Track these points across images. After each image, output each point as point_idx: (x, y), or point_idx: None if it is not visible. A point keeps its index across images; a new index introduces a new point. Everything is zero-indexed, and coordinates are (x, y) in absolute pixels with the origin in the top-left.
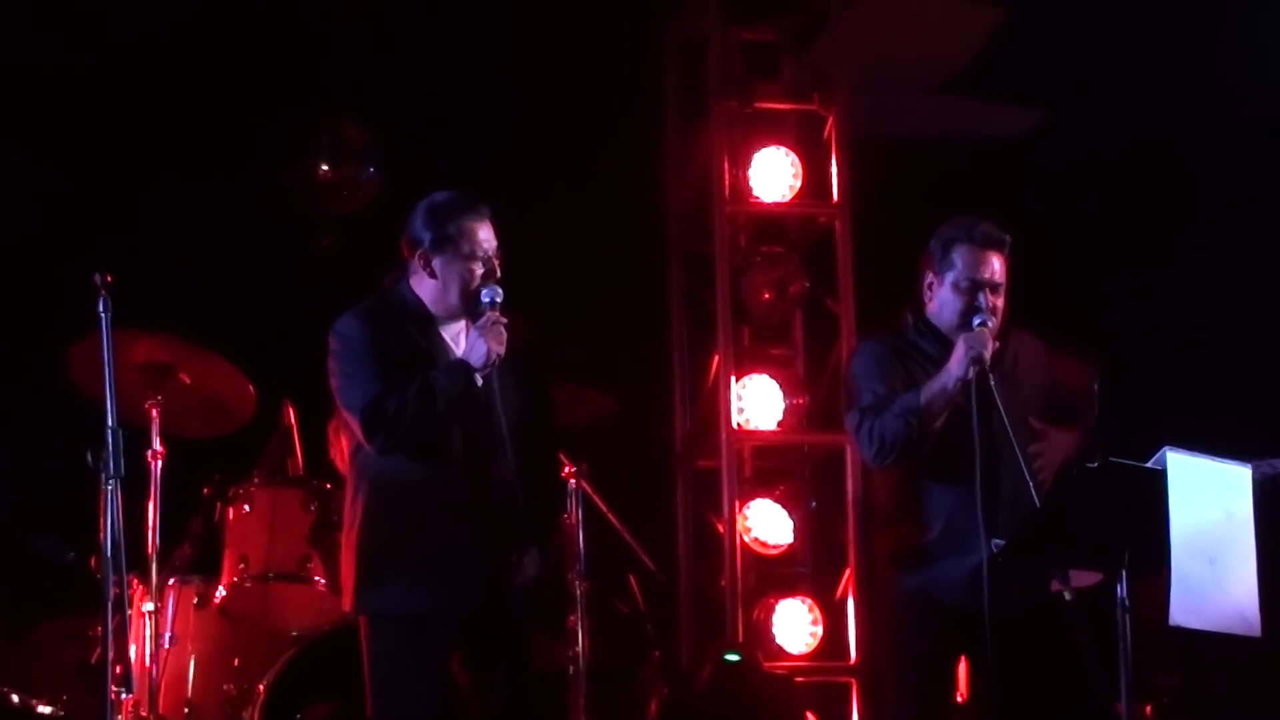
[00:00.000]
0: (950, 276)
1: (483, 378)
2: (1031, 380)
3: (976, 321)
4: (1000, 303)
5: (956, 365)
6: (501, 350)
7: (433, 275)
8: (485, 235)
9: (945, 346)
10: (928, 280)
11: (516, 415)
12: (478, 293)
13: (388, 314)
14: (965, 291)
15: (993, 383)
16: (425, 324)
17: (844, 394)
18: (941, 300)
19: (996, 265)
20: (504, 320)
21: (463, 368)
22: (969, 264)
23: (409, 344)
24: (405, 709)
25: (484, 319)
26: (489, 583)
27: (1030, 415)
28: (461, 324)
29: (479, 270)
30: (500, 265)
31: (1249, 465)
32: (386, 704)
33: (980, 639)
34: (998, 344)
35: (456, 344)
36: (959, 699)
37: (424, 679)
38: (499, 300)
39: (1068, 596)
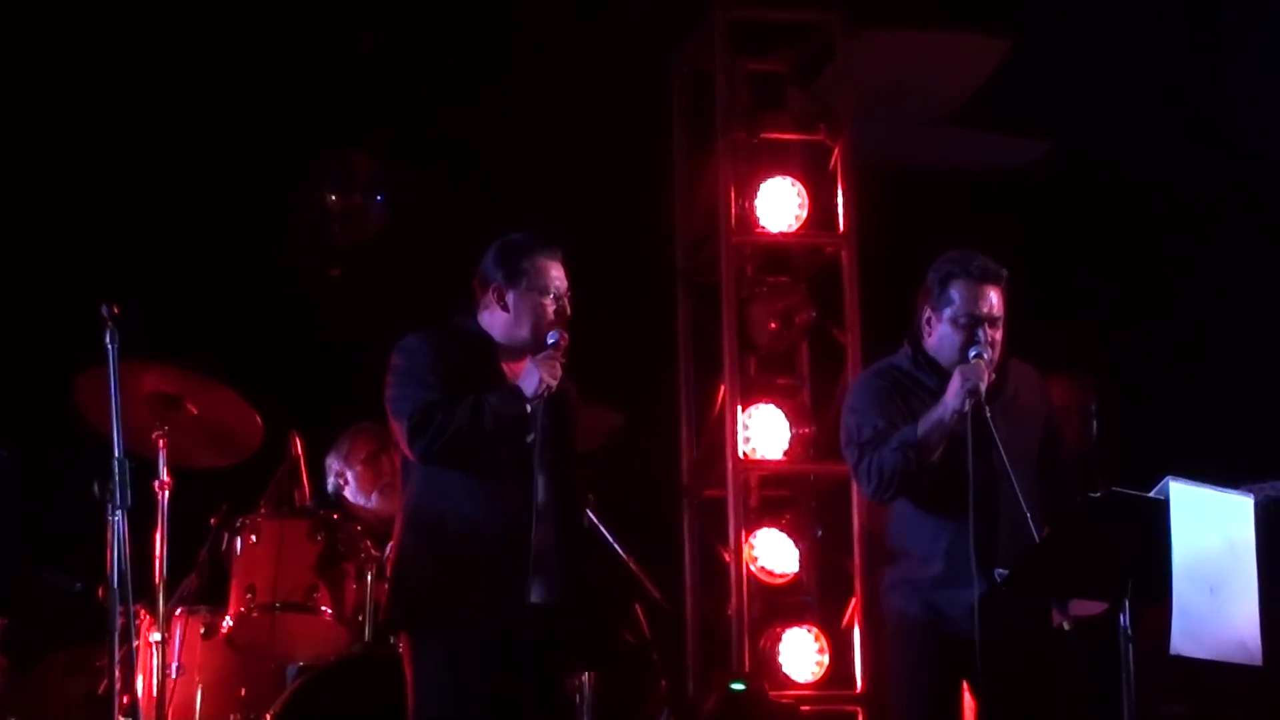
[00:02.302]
0: (948, 312)
1: (532, 407)
2: (1032, 412)
3: (973, 354)
4: (999, 336)
5: (953, 398)
6: (553, 382)
7: (505, 309)
8: (557, 273)
9: (944, 379)
10: (925, 316)
11: (553, 456)
12: (547, 329)
13: (452, 339)
14: (964, 327)
15: (989, 414)
16: (488, 355)
17: (842, 430)
18: (940, 335)
19: (994, 299)
20: (561, 358)
21: (515, 392)
22: (967, 299)
23: (469, 369)
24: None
25: (544, 352)
26: (522, 607)
27: (1032, 445)
28: (525, 361)
29: (551, 306)
30: (570, 305)
31: (1250, 494)
32: (426, 715)
33: (979, 670)
34: (993, 376)
35: (516, 378)
36: None
37: (460, 694)
38: (562, 344)
39: (1066, 627)
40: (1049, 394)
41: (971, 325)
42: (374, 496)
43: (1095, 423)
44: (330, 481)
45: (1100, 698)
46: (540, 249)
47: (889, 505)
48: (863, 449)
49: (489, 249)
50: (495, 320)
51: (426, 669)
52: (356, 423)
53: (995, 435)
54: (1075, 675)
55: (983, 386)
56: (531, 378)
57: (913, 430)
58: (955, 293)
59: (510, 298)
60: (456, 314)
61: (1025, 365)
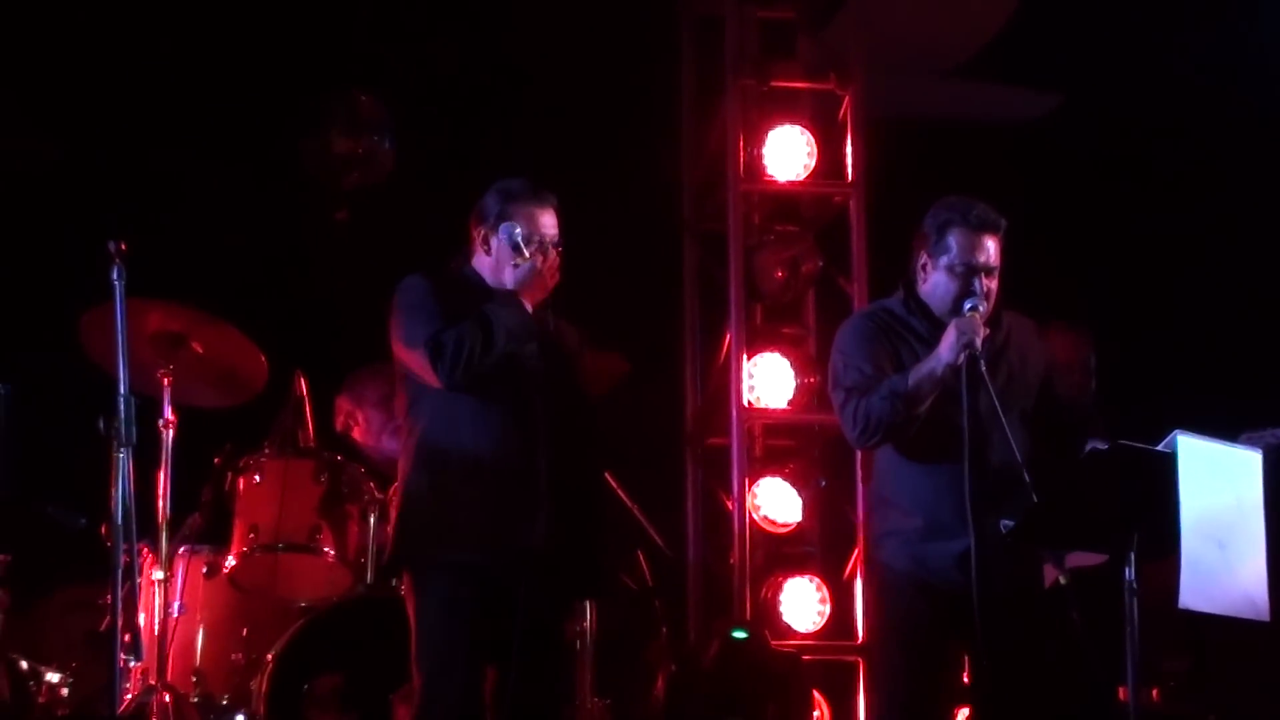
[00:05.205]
0: (945, 260)
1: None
2: (1027, 361)
3: (968, 306)
4: (994, 286)
5: (947, 351)
6: (543, 294)
7: (488, 253)
8: (547, 221)
9: (936, 326)
10: (921, 261)
11: (560, 404)
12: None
13: (448, 283)
14: (960, 275)
15: (983, 367)
16: (480, 299)
17: (830, 370)
18: (935, 282)
19: (991, 248)
20: (550, 274)
21: (511, 297)
22: (964, 247)
23: (462, 314)
24: (442, 659)
25: (526, 270)
26: (521, 547)
27: (1026, 397)
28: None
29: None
30: (561, 254)
31: (1259, 449)
32: (426, 652)
33: (971, 622)
34: (988, 330)
35: None
36: (964, 679)
37: (457, 634)
38: (547, 263)
39: (1063, 580)
40: (1046, 345)
41: (968, 274)
42: (383, 438)
43: (1094, 377)
44: (340, 420)
45: (1094, 652)
46: (530, 196)
47: (876, 452)
48: (849, 393)
49: (485, 193)
50: (483, 265)
51: (427, 607)
52: (370, 364)
53: (990, 387)
54: (1070, 629)
55: (978, 341)
56: (523, 276)
57: (903, 380)
58: (953, 240)
59: (494, 243)
60: (453, 259)
61: (1021, 317)
